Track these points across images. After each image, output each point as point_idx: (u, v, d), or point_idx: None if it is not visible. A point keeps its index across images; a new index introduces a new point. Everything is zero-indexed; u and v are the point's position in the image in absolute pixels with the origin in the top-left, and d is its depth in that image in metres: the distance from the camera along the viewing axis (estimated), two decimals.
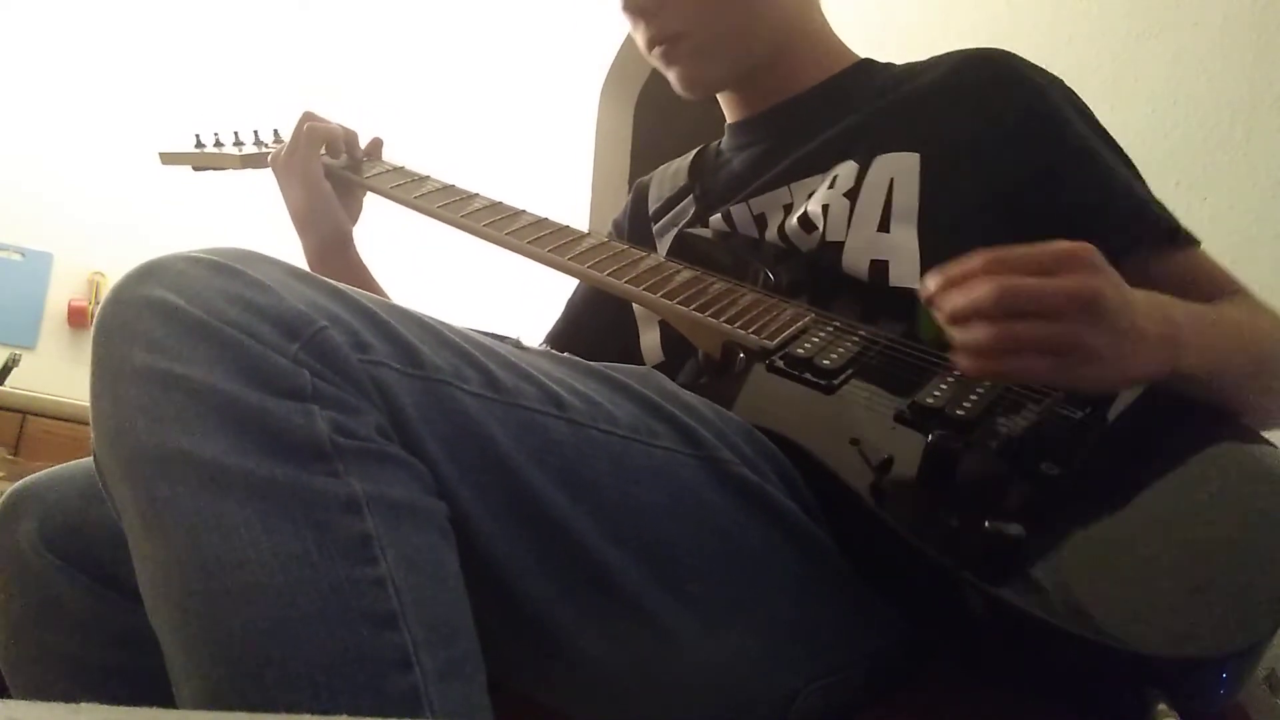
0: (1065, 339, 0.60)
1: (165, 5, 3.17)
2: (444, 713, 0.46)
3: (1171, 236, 0.84)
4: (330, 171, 1.10)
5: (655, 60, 0.98)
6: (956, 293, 0.62)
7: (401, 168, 1.11)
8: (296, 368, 0.48)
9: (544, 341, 1.13)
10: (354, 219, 1.13)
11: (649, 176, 1.14)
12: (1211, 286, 0.83)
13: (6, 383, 2.52)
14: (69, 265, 3.00)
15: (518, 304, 2.74)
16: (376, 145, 1.18)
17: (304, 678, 0.43)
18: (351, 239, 1.11)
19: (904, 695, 0.68)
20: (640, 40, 0.98)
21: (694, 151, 1.11)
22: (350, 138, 1.14)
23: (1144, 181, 0.89)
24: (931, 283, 0.64)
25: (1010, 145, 0.86)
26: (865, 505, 0.61)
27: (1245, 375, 0.74)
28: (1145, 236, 0.83)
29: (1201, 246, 0.85)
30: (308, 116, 1.12)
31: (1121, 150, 0.90)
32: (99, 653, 0.68)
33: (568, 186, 2.86)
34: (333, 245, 1.09)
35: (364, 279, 1.11)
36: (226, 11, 3.25)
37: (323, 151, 1.12)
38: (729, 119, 1.05)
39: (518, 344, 0.63)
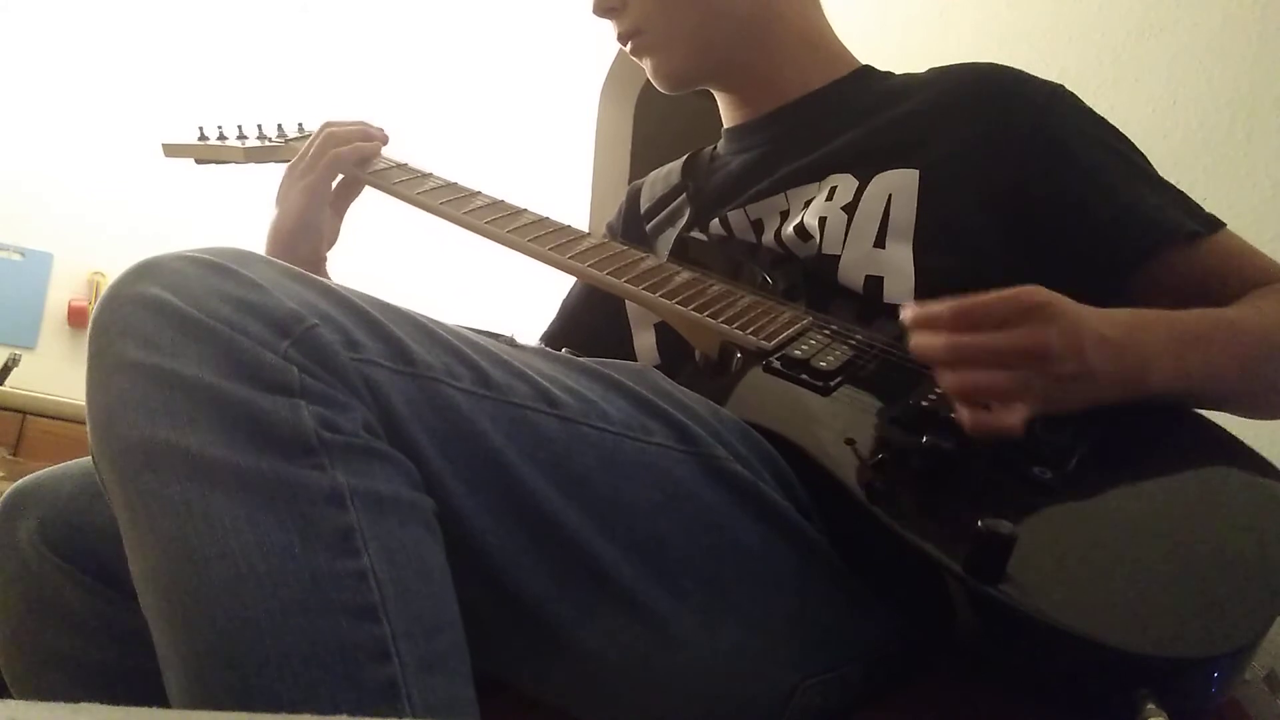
0: (1012, 387, 0.64)
1: (166, 6, 3.17)
2: (423, 704, 0.46)
3: (1189, 237, 0.83)
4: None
5: (630, 55, 1.00)
6: (920, 335, 0.66)
7: (404, 164, 1.10)
8: (285, 364, 0.48)
9: (540, 342, 1.12)
10: (331, 243, 1.03)
11: (642, 180, 1.15)
12: (1246, 274, 0.82)
13: (6, 383, 2.52)
14: (69, 265, 3.00)
15: (516, 301, 2.74)
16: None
17: (283, 667, 0.44)
18: (325, 262, 1.03)
19: (903, 692, 0.69)
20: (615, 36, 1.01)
21: (687, 155, 1.11)
22: (373, 153, 1.05)
23: (1155, 182, 0.87)
24: (907, 316, 0.67)
25: (1012, 167, 0.85)
26: (859, 504, 0.62)
27: (1240, 380, 0.75)
28: (1158, 247, 0.82)
29: (1226, 229, 0.84)
30: (331, 138, 1.02)
31: (1129, 150, 0.88)
32: (99, 652, 0.68)
33: (568, 187, 2.86)
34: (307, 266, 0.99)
35: None
36: (227, 12, 3.26)
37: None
38: (726, 123, 1.05)
39: (511, 341, 0.64)
